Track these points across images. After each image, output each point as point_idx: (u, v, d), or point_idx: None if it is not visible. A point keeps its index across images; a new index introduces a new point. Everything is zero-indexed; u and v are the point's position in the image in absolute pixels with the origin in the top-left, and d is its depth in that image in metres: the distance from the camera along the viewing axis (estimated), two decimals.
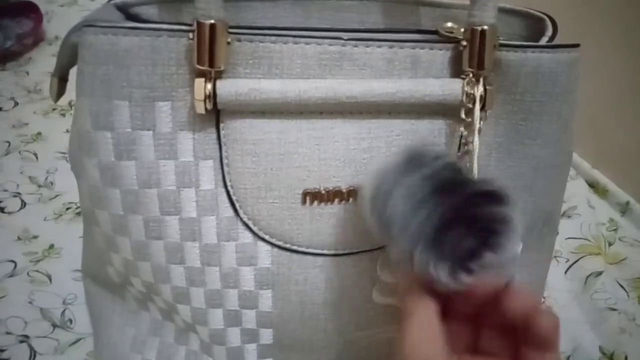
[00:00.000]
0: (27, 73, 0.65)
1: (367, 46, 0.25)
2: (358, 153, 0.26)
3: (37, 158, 0.51)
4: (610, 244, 0.47)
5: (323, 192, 0.26)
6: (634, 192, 0.55)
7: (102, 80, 0.23)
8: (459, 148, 0.27)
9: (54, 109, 0.59)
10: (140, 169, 0.25)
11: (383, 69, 0.25)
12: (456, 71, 0.26)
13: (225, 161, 0.25)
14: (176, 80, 0.24)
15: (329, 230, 0.27)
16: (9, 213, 0.45)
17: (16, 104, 0.59)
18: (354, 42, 0.25)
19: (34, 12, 0.72)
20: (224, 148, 0.25)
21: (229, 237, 0.26)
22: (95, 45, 0.23)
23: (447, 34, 0.27)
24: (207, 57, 0.22)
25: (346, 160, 0.26)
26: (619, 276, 0.44)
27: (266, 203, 0.26)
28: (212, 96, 0.23)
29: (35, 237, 0.43)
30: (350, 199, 0.26)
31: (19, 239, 0.43)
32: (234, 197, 0.26)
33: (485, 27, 0.24)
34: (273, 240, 0.27)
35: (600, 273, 0.44)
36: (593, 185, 0.57)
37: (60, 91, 0.28)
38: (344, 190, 0.26)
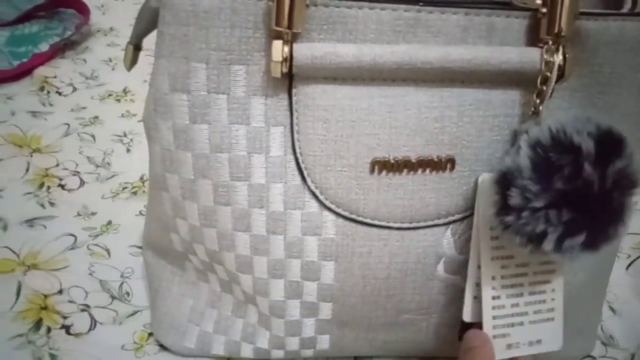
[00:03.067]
0: (85, 61, 0.67)
1: (443, 12, 0.25)
2: (429, 122, 0.25)
3: (94, 140, 0.53)
4: None
5: (392, 161, 0.26)
6: None
7: (182, 41, 0.23)
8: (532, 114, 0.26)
9: (109, 95, 0.60)
10: (213, 133, 0.25)
11: (457, 36, 0.25)
12: (532, 40, 0.25)
13: (295, 128, 0.25)
14: (252, 43, 0.24)
15: (396, 202, 0.26)
16: (69, 190, 0.46)
17: (75, 89, 0.61)
18: (429, 8, 0.24)
19: (82, 4, 0.75)
20: (295, 114, 0.25)
21: (296, 205, 0.26)
22: (177, 5, 0.23)
23: (522, 4, 0.26)
24: (287, 19, 0.23)
25: (417, 129, 0.25)
26: None
27: (334, 171, 0.26)
28: (289, 59, 0.23)
29: (93, 213, 0.44)
30: (419, 170, 0.26)
31: (78, 214, 0.44)
32: (302, 165, 0.26)
33: None
34: (339, 210, 0.26)
35: None
36: None
37: (134, 59, 0.28)
38: (414, 161, 0.26)
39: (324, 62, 0.23)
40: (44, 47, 0.68)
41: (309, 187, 0.26)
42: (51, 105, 0.58)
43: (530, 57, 0.25)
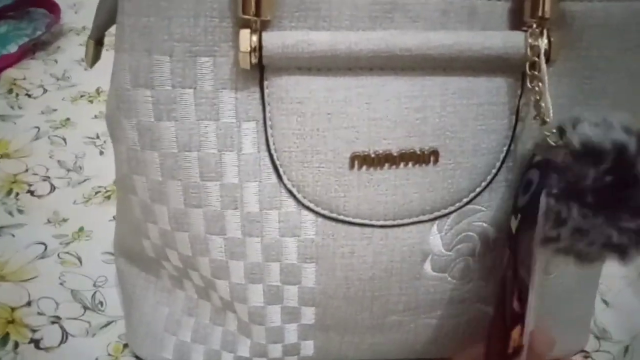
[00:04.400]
0: (56, 61, 0.64)
1: None
2: (410, 113, 0.24)
3: (65, 143, 0.51)
4: None
5: (373, 155, 0.24)
6: None
7: (143, 33, 0.22)
8: (517, 109, 0.25)
9: (82, 96, 0.58)
10: (180, 130, 0.23)
11: (437, 21, 0.24)
12: (516, 24, 0.24)
13: (269, 122, 0.24)
14: (219, 33, 0.22)
15: (378, 198, 0.25)
16: (39, 196, 0.44)
17: (45, 90, 0.59)
18: None
19: (53, 3, 0.73)
20: (267, 108, 0.23)
21: (272, 205, 0.25)
22: None
23: None
24: (254, 5, 0.21)
25: (398, 120, 0.24)
26: None
27: (312, 168, 0.24)
28: (258, 49, 0.22)
29: (65, 220, 0.42)
30: (402, 164, 0.25)
31: (48, 221, 0.42)
32: (277, 162, 0.24)
33: None
34: (318, 209, 0.25)
35: None
36: None
37: (97, 55, 0.27)
38: (395, 154, 0.24)
39: (296, 51, 0.22)
40: (12, 48, 0.65)
41: (285, 186, 0.25)
42: (20, 108, 0.56)
43: (514, 41, 0.23)
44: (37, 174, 0.47)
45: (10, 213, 0.43)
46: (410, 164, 0.25)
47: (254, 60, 0.22)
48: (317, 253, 0.26)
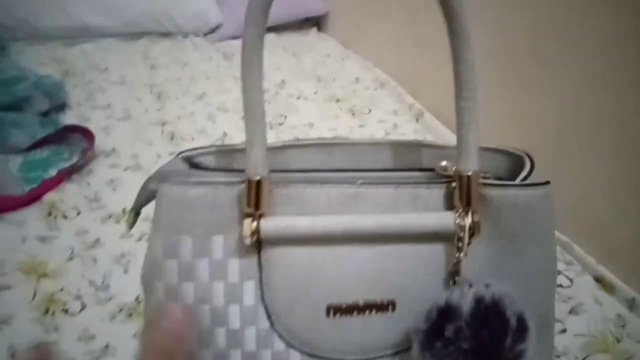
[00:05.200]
0: (89, 184, 0.74)
1: (377, 187, 0.32)
2: (372, 272, 0.31)
3: (95, 262, 0.58)
4: (618, 341, 0.50)
5: (344, 306, 0.31)
6: None
7: (174, 220, 0.30)
8: (454, 268, 0.32)
9: (110, 216, 0.67)
10: (197, 288, 0.31)
11: (390, 204, 0.32)
12: (450, 204, 0.32)
13: (264, 281, 0.31)
14: (229, 218, 0.30)
15: (350, 339, 0.32)
16: (72, 314, 0.51)
17: (79, 212, 0.68)
18: (366, 185, 0.31)
19: (87, 130, 0.83)
20: (263, 271, 0.31)
21: (267, 344, 0.31)
22: (170, 195, 0.30)
23: (442, 172, 0.34)
24: (254, 204, 0.29)
25: (362, 279, 0.31)
26: None
27: (297, 316, 0.31)
28: (257, 232, 0.30)
29: (93, 337, 0.48)
30: (367, 312, 0.32)
31: (79, 338, 0.48)
32: (270, 311, 0.31)
33: (470, 173, 0.31)
34: (303, 348, 0.32)
35: None
36: (599, 280, 0.59)
37: (134, 222, 0.35)
38: (361, 304, 0.31)
39: (285, 232, 0.30)
40: (52, 172, 0.75)
41: (276, 330, 0.31)
42: (58, 229, 0.64)
43: (445, 222, 0.31)
44: (70, 293, 0.54)
45: (47, 331, 0.49)
46: (373, 312, 0.32)
47: (254, 240, 0.30)
48: None
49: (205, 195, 0.30)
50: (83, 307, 0.52)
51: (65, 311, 0.51)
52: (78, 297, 0.53)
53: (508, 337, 0.29)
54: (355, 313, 0.31)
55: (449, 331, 0.29)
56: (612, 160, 0.62)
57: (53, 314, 0.51)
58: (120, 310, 0.52)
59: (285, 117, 0.98)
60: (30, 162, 0.80)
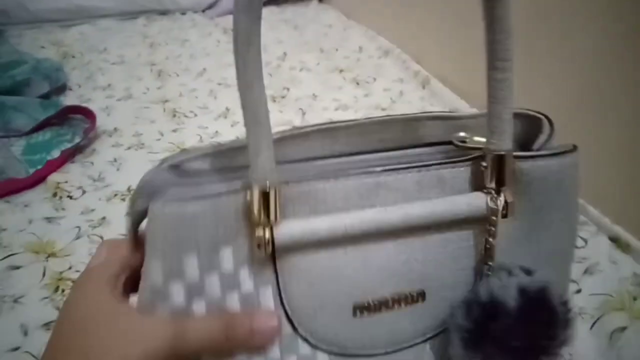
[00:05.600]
0: (92, 163, 0.63)
1: (399, 173, 0.23)
2: (399, 266, 0.24)
3: (102, 240, 0.50)
4: (634, 299, 0.41)
5: (371, 304, 0.24)
6: None
7: (173, 243, 0.21)
8: (487, 253, 0.25)
9: (115, 195, 0.57)
10: (210, 303, 0.23)
11: (414, 190, 0.24)
12: (478, 184, 0.24)
13: (282, 287, 0.23)
14: (236, 229, 0.22)
15: (378, 335, 0.25)
16: None
17: (84, 192, 0.58)
18: (387, 172, 0.23)
19: (89, 111, 0.72)
20: (280, 277, 0.23)
21: (290, 350, 0.24)
22: (164, 215, 0.21)
23: (461, 144, 0.25)
24: (264, 216, 0.21)
25: (389, 274, 0.24)
26: None
27: (322, 320, 0.24)
28: (271, 242, 0.21)
29: None
30: (395, 306, 0.24)
31: None
32: (292, 317, 0.24)
33: (503, 153, 0.23)
34: (330, 348, 0.25)
35: (624, 328, 0.39)
36: (615, 240, 0.49)
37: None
38: (389, 300, 0.24)
39: (303, 240, 0.22)
40: (55, 154, 0.64)
41: (300, 335, 0.24)
42: (63, 209, 0.55)
43: (477, 204, 0.23)
44: (78, 271, 0.46)
45: (58, 308, 0.42)
46: (402, 305, 0.24)
47: (268, 251, 0.21)
48: None
49: (206, 210, 0.21)
50: None
51: None
52: None
53: (558, 328, 0.22)
54: (383, 309, 0.24)
55: (497, 330, 0.21)
56: (629, 120, 0.53)
57: (63, 291, 0.43)
58: None
59: (288, 89, 0.83)
60: (33, 144, 0.68)
